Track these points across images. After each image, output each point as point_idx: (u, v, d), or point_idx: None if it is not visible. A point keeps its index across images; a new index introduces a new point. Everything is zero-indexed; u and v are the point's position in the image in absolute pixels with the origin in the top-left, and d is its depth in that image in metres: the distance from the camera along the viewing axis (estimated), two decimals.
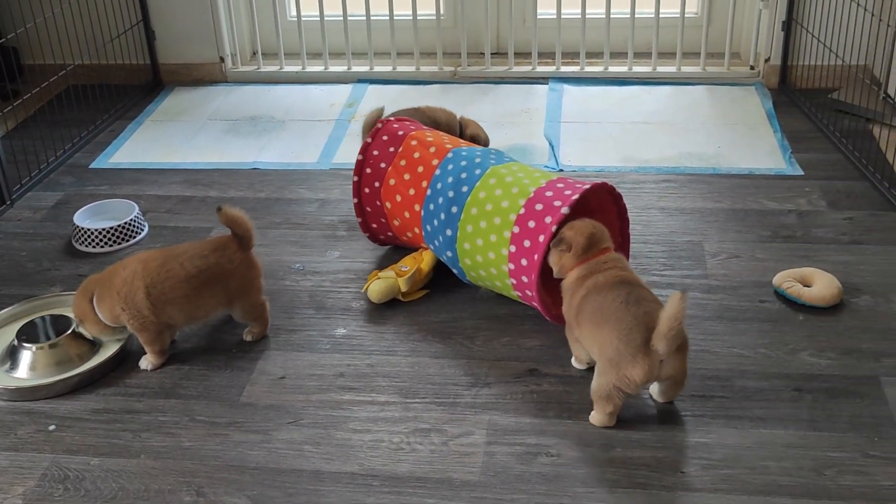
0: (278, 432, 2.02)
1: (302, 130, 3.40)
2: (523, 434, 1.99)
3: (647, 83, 3.64)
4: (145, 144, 3.35)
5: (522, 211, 2.15)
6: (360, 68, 3.80)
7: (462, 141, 2.47)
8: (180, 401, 2.12)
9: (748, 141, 3.18)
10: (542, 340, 2.26)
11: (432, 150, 2.39)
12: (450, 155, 2.35)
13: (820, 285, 2.35)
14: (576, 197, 2.10)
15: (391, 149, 2.45)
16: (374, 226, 2.54)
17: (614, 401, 1.95)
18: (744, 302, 2.37)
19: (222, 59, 3.81)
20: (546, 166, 3.06)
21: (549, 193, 2.15)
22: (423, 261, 2.43)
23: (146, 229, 2.80)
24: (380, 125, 2.50)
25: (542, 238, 2.09)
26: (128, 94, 3.72)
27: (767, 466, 1.87)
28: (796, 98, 3.45)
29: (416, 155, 2.40)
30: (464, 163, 2.31)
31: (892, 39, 3.16)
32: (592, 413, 2.00)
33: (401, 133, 2.47)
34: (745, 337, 2.24)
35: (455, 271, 2.36)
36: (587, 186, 2.14)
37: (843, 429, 1.96)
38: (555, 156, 3.12)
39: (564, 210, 2.08)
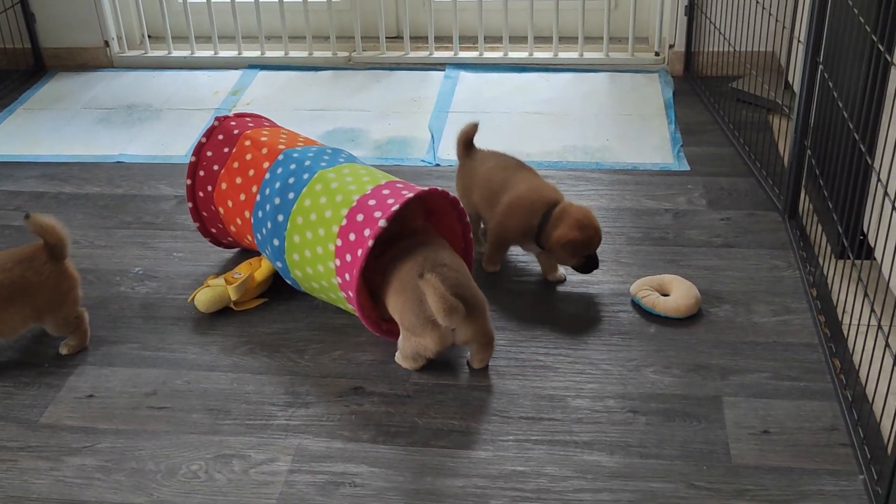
0: (71, 458, 1.88)
1: (178, 120, 3.23)
2: (331, 461, 1.85)
3: (548, 70, 3.48)
4: (10, 135, 3.17)
5: (344, 222, 2.00)
6: (252, 53, 3.62)
7: (303, 138, 2.32)
8: None
9: (639, 133, 3.02)
10: (375, 355, 2.12)
11: (264, 151, 2.23)
12: (280, 157, 2.19)
13: (677, 294, 2.21)
14: (396, 207, 1.95)
15: (225, 149, 2.29)
16: (213, 230, 2.38)
17: (419, 361, 2.04)
18: (597, 312, 2.23)
19: (107, 44, 3.63)
20: (423, 160, 2.90)
21: (371, 202, 2.00)
22: (259, 268, 2.28)
23: None
24: (216, 123, 2.34)
25: (360, 252, 1.94)
26: (6, 80, 3.54)
27: (582, 501, 1.73)
28: (698, 86, 3.29)
29: (249, 157, 2.24)
30: (293, 166, 2.15)
31: (790, 35, 3.00)
32: (398, 355, 2.06)
33: (236, 132, 2.31)
34: (590, 351, 2.10)
35: (289, 282, 2.21)
36: (411, 194, 1.99)
37: (673, 456, 1.82)
38: (434, 149, 2.96)
39: (382, 223, 1.93)
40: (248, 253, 2.46)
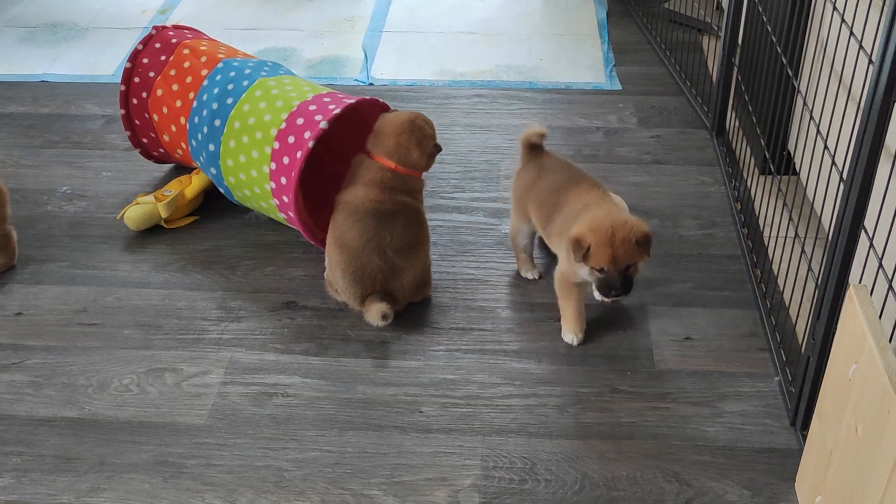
0: (0, 374, 1.87)
1: (105, 39, 3.15)
2: (264, 372, 1.87)
3: None
4: None
5: (283, 126, 1.99)
6: None
7: (243, 53, 2.28)
8: None
9: (572, 53, 3.03)
10: (307, 270, 2.13)
11: (203, 59, 2.20)
12: (220, 65, 2.17)
13: None
14: (338, 111, 1.94)
15: (162, 57, 2.25)
16: (145, 140, 2.35)
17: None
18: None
19: None
20: (356, 79, 2.88)
21: (312, 107, 1.99)
22: (190, 185, 2.26)
23: None
24: (154, 31, 2.29)
25: (299, 154, 1.93)
26: None
27: (510, 406, 1.78)
28: (632, 7, 3.30)
29: (187, 64, 2.21)
30: (233, 73, 2.13)
31: None
32: (327, 272, 2.03)
33: (174, 41, 2.27)
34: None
35: (222, 190, 2.19)
36: (353, 101, 1.99)
37: (598, 363, 1.87)
38: (367, 68, 2.94)
39: (323, 125, 1.92)
40: (178, 171, 2.44)
